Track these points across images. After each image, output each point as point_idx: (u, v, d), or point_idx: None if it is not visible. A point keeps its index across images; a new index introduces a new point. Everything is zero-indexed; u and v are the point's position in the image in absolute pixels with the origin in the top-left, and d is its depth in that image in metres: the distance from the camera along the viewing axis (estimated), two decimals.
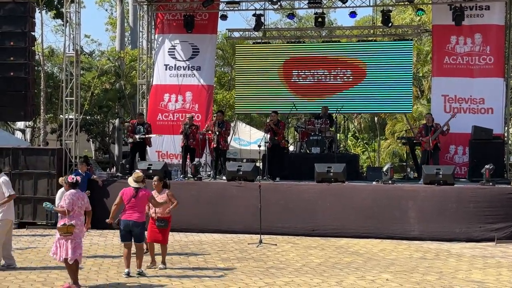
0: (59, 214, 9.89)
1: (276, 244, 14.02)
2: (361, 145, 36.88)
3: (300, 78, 21.13)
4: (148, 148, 18.67)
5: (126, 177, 16.33)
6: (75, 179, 10.04)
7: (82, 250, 9.96)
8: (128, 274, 10.55)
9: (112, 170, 23.79)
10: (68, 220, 9.62)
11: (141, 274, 10.67)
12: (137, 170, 12.02)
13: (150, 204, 11.14)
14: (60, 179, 12.23)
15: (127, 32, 32.62)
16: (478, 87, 18.71)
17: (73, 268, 9.71)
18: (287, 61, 21.27)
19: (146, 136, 18.06)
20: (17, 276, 10.58)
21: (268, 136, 17.49)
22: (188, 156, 17.66)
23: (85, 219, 10.23)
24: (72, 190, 9.90)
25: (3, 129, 27.83)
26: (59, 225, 9.72)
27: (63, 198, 9.90)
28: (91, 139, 29.45)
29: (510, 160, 18.29)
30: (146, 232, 11.18)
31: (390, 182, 15.74)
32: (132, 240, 10.74)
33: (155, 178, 11.75)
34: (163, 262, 11.39)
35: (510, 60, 18.80)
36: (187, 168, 17.45)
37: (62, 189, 11.89)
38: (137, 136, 17.77)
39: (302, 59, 21.25)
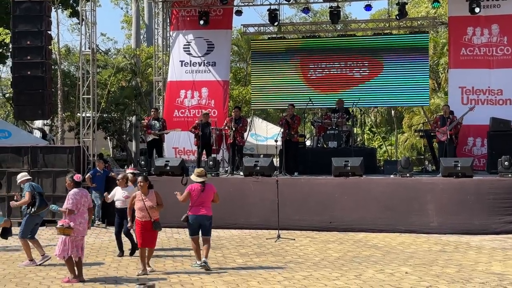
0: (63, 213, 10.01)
1: (294, 239, 14.02)
2: (378, 139, 36.69)
3: (317, 72, 21.08)
4: (165, 144, 18.70)
5: (144, 174, 16.45)
6: (81, 178, 10.28)
7: (83, 247, 10.12)
8: (203, 264, 10.84)
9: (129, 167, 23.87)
10: (67, 222, 9.80)
11: (205, 263, 10.84)
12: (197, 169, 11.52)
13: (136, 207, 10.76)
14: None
15: (142, 29, 32.70)
16: (496, 78, 18.55)
17: (71, 263, 9.90)
18: (304, 56, 21.20)
19: (165, 131, 18.10)
20: (38, 273, 10.69)
21: (282, 130, 17.39)
22: (204, 152, 17.68)
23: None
24: (75, 189, 10.07)
25: (22, 127, 27.99)
26: (58, 224, 9.90)
27: (67, 198, 10.01)
28: (108, 137, 29.59)
29: None
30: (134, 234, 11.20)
31: (408, 175, 15.67)
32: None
33: (140, 178, 10.89)
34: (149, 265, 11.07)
35: None
36: (202, 163, 17.45)
37: (28, 182, 11.81)
38: (157, 132, 17.84)
39: (319, 53, 21.17)
